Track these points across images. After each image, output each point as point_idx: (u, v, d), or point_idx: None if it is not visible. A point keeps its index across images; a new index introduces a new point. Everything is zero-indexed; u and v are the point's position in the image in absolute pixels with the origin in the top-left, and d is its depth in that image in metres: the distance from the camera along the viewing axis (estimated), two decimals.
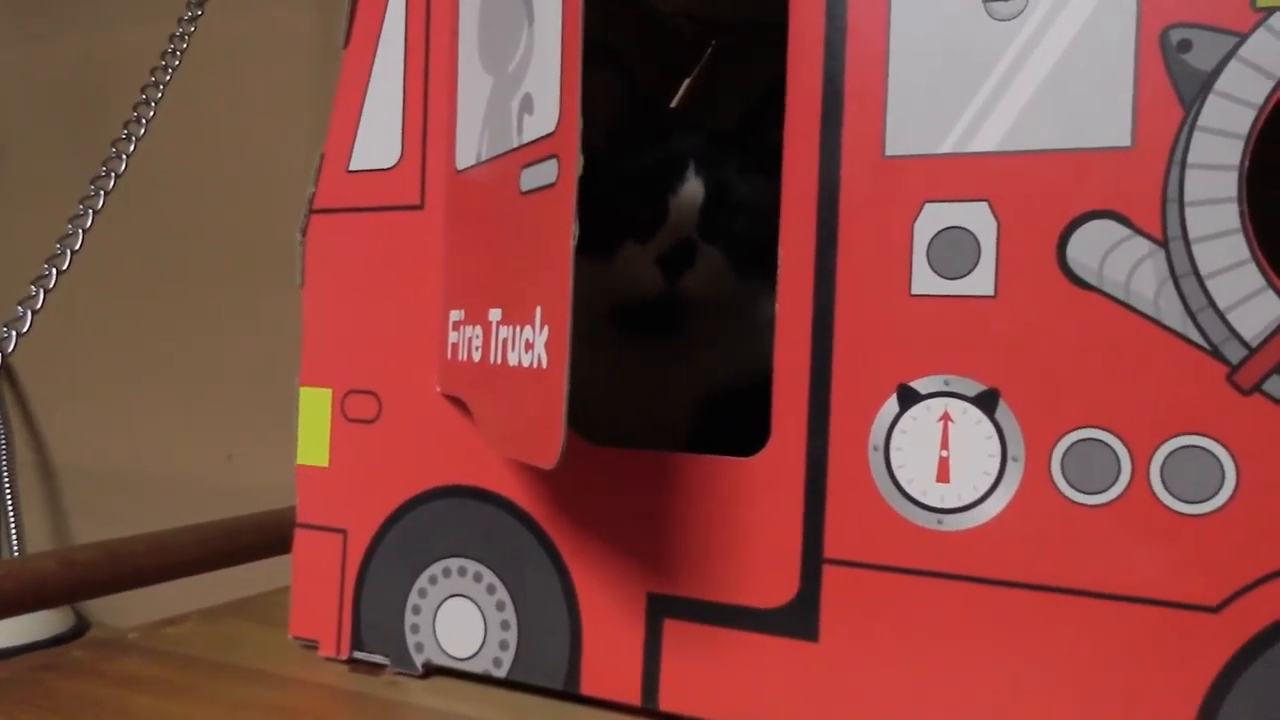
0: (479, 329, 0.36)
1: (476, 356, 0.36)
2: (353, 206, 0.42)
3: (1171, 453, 0.29)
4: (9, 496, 1.16)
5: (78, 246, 0.55)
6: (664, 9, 0.60)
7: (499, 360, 0.34)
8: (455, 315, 0.39)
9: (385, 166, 0.42)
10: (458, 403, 0.40)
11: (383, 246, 0.42)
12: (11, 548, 1.19)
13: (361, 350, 0.42)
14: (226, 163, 1.03)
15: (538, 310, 0.31)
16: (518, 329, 0.33)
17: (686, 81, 0.63)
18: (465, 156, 0.38)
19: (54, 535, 1.21)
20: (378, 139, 0.42)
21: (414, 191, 0.41)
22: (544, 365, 0.31)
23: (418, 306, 0.41)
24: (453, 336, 0.39)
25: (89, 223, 0.55)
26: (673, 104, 0.62)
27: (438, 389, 0.40)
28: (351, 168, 0.42)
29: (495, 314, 0.35)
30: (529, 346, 0.32)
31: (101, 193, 0.56)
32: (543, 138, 0.32)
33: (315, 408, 0.43)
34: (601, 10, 0.57)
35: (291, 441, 0.44)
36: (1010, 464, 0.31)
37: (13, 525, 1.19)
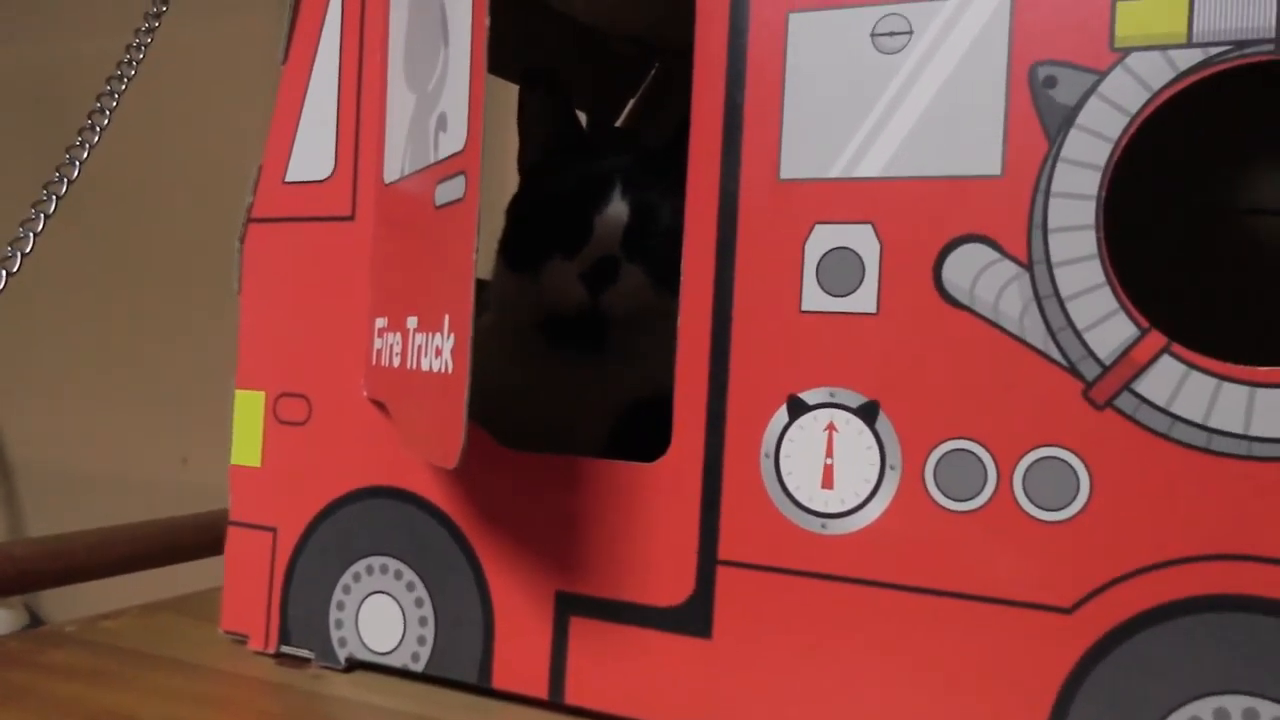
0: (399, 336, 0.38)
1: (396, 362, 0.38)
2: (288, 216, 0.44)
3: (1033, 463, 0.31)
4: None
5: (29, 249, 0.56)
6: (607, 33, 0.62)
7: (415, 365, 0.36)
8: (380, 322, 0.40)
9: (319, 178, 0.43)
10: (382, 407, 0.41)
11: (315, 255, 0.43)
12: None
13: (294, 355, 0.44)
14: (186, 168, 1.04)
15: (446, 318, 0.33)
16: (430, 336, 0.35)
17: (631, 102, 0.65)
18: (392, 170, 0.40)
19: (10, 532, 1.22)
20: (313, 152, 0.43)
21: (346, 203, 0.43)
22: (450, 370, 0.33)
23: (347, 313, 0.42)
24: (377, 343, 0.40)
25: (40, 226, 0.56)
26: (617, 124, 0.64)
27: (364, 393, 0.42)
28: (288, 179, 0.44)
29: (412, 321, 0.37)
30: (438, 352, 0.34)
31: (54, 197, 0.57)
32: (453, 155, 0.33)
33: (249, 410, 0.45)
34: (544, 35, 0.59)
35: None
36: (888, 472, 0.33)
37: None
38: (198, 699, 0.40)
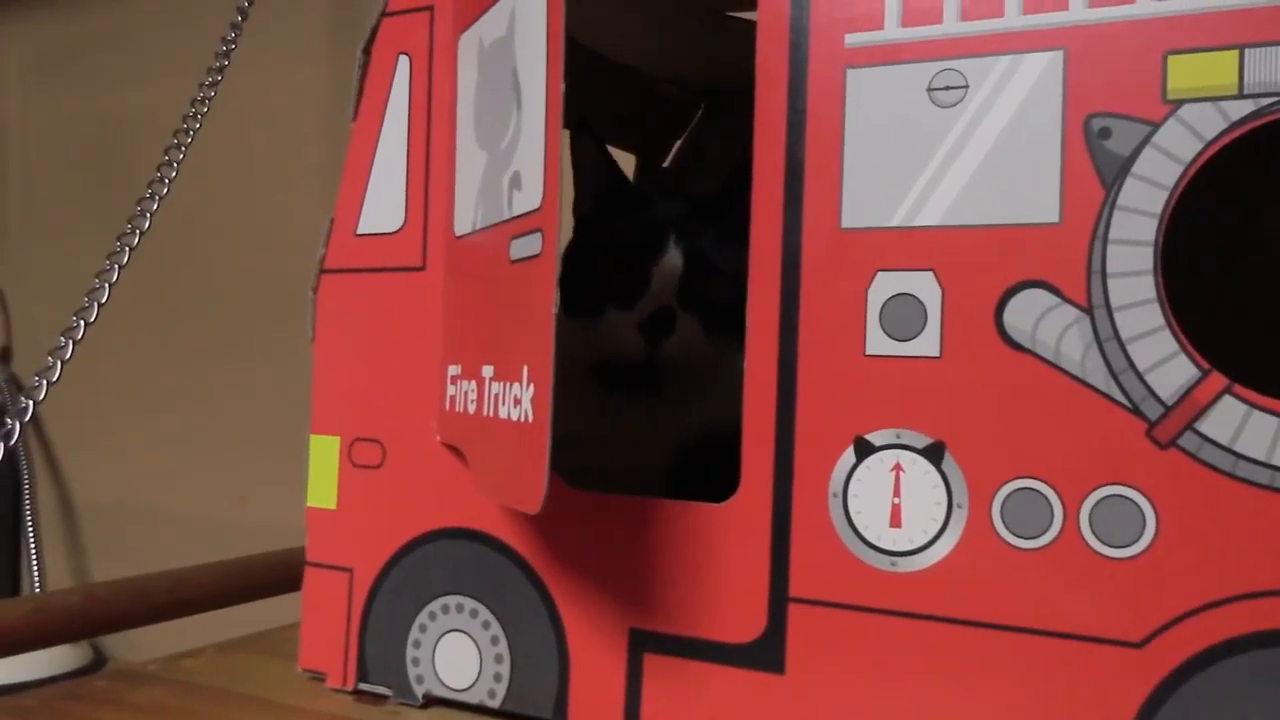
0: (473, 383, 0.39)
1: (471, 409, 0.40)
2: (360, 267, 0.46)
3: (1099, 501, 0.32)
4: (32, 534, 1.20)
5: (104, 300, 0.58)
6: (651, 75, 0.63)
7: (491, 413, 0.37)
8: (453, 370, 0.42)
9: (390, 231, 0.45)
10: (455, 451, 0.43)
11: (387, 304, 0.45)
12: (34, 582, 1.23)
13: (367, 401, 0.45)
14: (244, 214, 1.07)
15: (525, 369, 0.35)
16: (507, 385, 0.36)
17: (678, 143, 0.66)
18: (463, 224, 0.42)
19: (74, 571, 1.25)
20: (383, 205, 0.45)
21: (416, 254, 0.44)
22: (530, 419, 0.34)
23: (419, 361, 0.44)
24: (450, 390, 0.42)
25: (115, 277, 0.58)
26: (665, 164, 0.66)
27: (437, 438, 0.43)
28: (359, 231, 0.46)
29: (488, 370, 0.38)
30: (517, 402, 0.35)
31: (127, 249, 0.59)
32: (529, 212, 0.35)
33: (324, 454, 0.47)
34: (590, 78, 0.61)
35: (300, 484, 0.47)
36: (955, 511, 0.34)
37: (34, 561, 1.22)
38: None
